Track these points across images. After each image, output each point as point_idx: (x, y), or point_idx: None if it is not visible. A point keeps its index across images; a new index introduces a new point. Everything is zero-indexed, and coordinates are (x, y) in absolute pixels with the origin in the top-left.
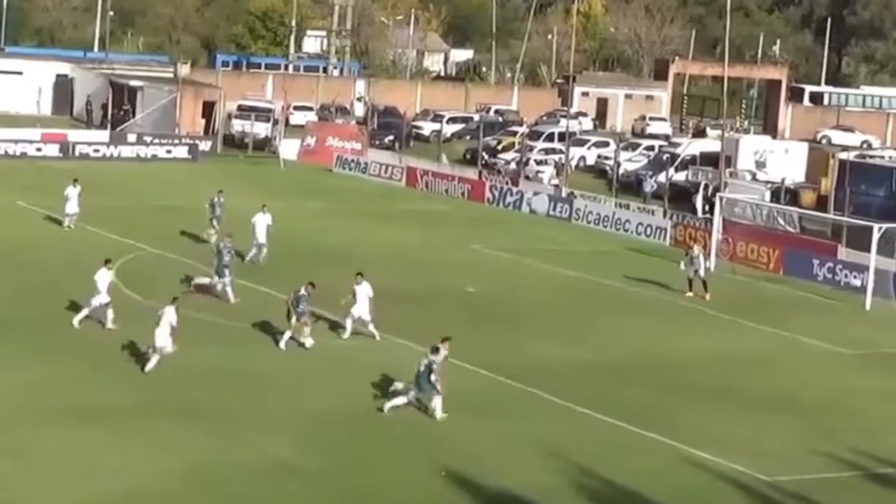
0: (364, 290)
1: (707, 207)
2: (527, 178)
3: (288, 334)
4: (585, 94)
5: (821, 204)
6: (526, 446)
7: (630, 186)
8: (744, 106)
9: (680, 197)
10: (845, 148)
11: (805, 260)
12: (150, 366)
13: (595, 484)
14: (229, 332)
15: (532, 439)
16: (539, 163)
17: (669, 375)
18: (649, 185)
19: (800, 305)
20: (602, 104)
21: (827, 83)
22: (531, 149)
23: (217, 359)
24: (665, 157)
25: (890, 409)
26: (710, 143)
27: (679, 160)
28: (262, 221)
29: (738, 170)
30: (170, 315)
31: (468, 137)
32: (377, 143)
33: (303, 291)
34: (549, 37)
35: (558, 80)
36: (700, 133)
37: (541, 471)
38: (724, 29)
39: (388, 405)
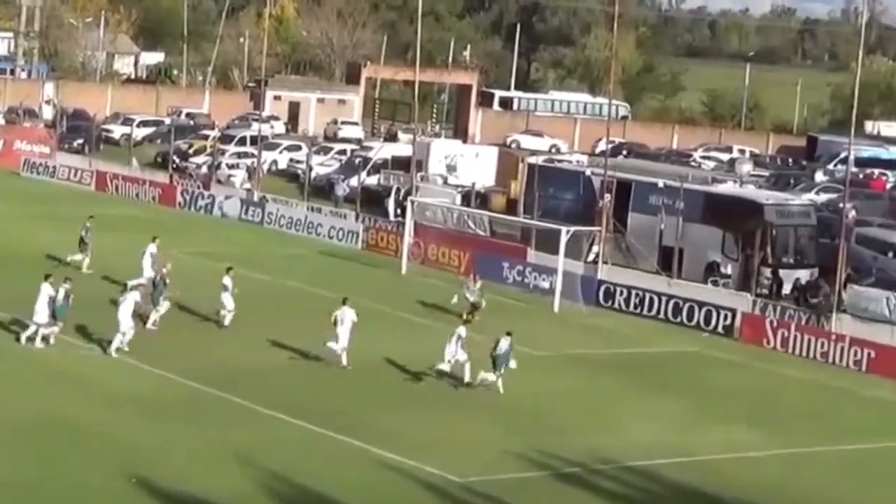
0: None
1: (399, 211)
2: (218, 181)
3: None
4: (277, 97)
5: (511, 207)
6: (217, 452)
7: (322, 190)
8: (435, 110)
9: (372, 201)
10: (534, 152)
11: (495, 263)
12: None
13: (286, 489)
14: None
15: (224, 445)
16: (231, 167)
17: (365, 379)
18: (341, 189)
19: (491, 308)
20: (294, 108)
21: (516, 88)
22: (223, 152)
23: None
24: (357, 160)
25: (575, 409)
26: (402, 147)
27: (371, 164)
28: None
29: (429, 174)
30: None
31: (159, 141)
32: (66, 146)
33: None
34: (241, 40)
35: (250, 84)
36: (392, 137)
37: (232, 477)
38: (415, 34)
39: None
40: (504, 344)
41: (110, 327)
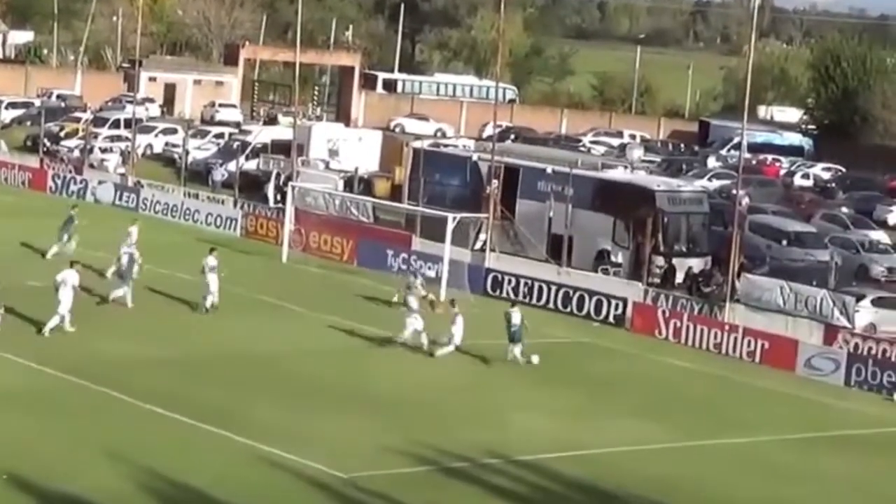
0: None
1: (279, 197)
2: (91, 166)
3: None
4: (153, 79)
5: (395, 193)
6: (91, 447)
7: (199, 175)
8: (316, 93)
9: (251, 186)
10: (419, 136)
11: (379, 250)
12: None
13: (162, 486)
14: None
15: (98, 440)
16: (104, 150)
17: (244, 372)
18: (219, 174)
19: (375, 297)
20: (170, 90)
21: (401, 70)
22: (96, 136)
23: None
24: (235, 144)
25: (461, 401)
26: (282, 131)
27: (250, 148)
28: None
29: (310, 158)
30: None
31: (29, 123)
32: None
33: None
34: (115, 18)
35: (124, 65)
36: (271, 120)
37: (106, 473)
38: (295, 14)
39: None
40: (516, 318)
41: None
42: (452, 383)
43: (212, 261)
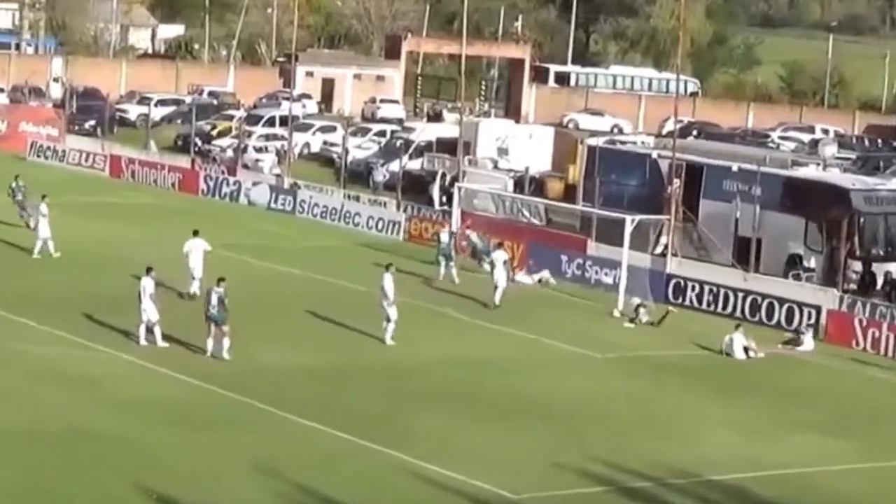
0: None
1: (444, 199)
2: (245, 166)
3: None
4: (310, 74)
5: (569, 194)
6: (240, 462)
7: (360, 176)
8: (484, 87)
9: (415, 187)
10: (594, 133)
11: (552, 256)
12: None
13: (312, 503)
14: None
15: (247, 454)
16: (258, 150)
17: (402, 382)
18: (381, 175)
19: (547, 305)
20: (328, 85)
21: (574, 62)
22: (249, 134)
23: None
24: (398, 143)
25: (638, 413)
26: (448, 128)
27: (413, 147)
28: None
29: (478, 157)
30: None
31: (179, 122)
32: (76, 128)
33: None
34: (269, 11)
35: (279, 59)
36: (436, 117)
37: (256, 488)
38: (461, 3)
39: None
40: (445, 237)
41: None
42: (625, 392)
43: (203, 245)
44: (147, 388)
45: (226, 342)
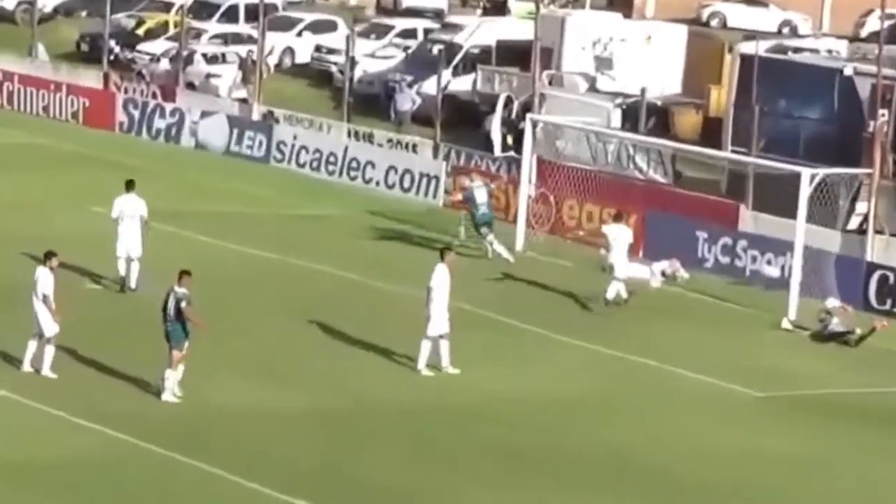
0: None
1: (510, 140)
2: (190, 86)
3: None
4: None
5: (710, 133)
6: None
7: (375, 101)
8: None
9: (463, 121)
10: (751, 35)
11: (684, 231)
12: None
13: None
14: None
15: None
16: (211, 59)
17: (441, 433)
18: (408, 101)
19: (674, 312)
20: None
21: None
22: (197, 35)
23: None
24: (435, 49)
25: (815, 491)
26: (515, 26)
27: (460, 56)
28: None
29: (563, 73)
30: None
31: (85, 14)
32: None
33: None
34: None
35: None
36: (497, 7)
37: None
38: None
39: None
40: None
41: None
42: (798, 456)
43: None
44: (35, 444)
45: (174, 373)
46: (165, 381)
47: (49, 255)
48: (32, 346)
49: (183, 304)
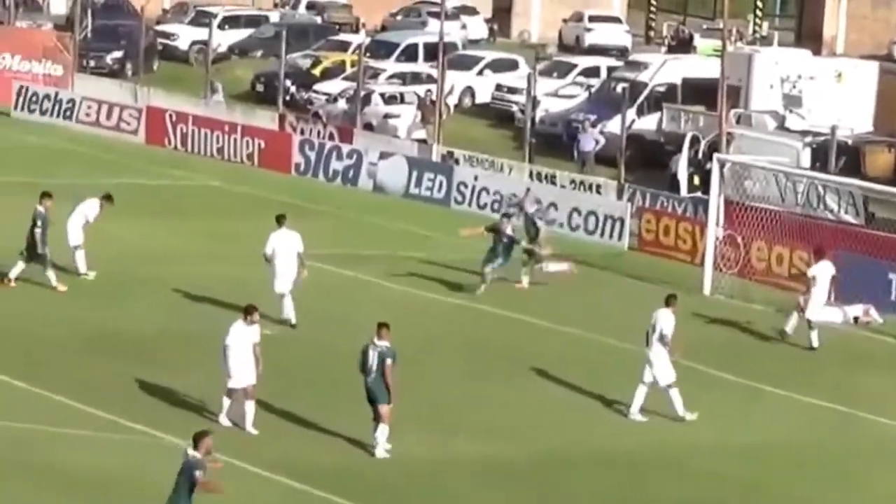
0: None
1: (697, 179)
2: (368, 127)
3: None
4: None
5: None
6: None
7: (557, 141)
8: None
9: (648, 161)
10: None
11: (878, 275)
12: None
13: None
14: None
15: None
16: (390, 99)
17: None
18: (590, 140)
19: (871, 359)
20: None
21: None
22: (375, 75)
23: None
24: (620, 88)
25: None
26: (701, 64)
27: (645, 94)
28: None
29: (751, 111)
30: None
31: (260, 54)
32: (93, 63)
33: None
34: None
35: None
36: (682, 44)
37: None
38: None
39: None
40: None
41: None
42: None
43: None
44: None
45: (384, 427)
46: (378, 437)
47: (249, 310)
48: (226, 399)
49: (388, 362)
